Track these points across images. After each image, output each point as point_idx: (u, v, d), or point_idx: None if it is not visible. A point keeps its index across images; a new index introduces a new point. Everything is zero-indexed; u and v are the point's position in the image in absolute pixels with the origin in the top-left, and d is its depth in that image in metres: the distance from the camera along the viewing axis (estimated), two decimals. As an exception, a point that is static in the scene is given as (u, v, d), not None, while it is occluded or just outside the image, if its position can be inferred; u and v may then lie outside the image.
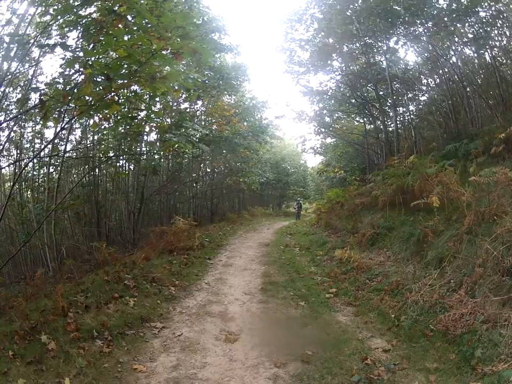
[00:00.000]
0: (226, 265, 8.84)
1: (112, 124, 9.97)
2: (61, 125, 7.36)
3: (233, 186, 21.10)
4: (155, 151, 11.08)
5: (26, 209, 10.34)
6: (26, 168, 10.13)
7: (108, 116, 6.37)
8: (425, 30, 11.31)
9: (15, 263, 9.56)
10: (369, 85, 14.71)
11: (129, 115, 8.76)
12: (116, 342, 4.36)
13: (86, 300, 5.34)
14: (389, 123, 14.01)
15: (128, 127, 9.34)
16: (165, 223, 13.57)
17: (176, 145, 9.91)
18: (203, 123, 16.73)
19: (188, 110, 15.93)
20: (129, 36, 5.43)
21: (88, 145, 12.11)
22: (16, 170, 9.29)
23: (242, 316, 5.37)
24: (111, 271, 7.03)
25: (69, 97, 5.07)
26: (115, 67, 4.93)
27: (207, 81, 13.52)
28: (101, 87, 5.05)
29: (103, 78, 4.93)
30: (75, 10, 5.47)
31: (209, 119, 17.05)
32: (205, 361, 3.96)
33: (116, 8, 5.30)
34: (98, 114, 6.17)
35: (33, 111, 7.61)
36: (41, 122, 9.01)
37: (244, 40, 43.02)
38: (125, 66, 5.16)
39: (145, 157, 11.38)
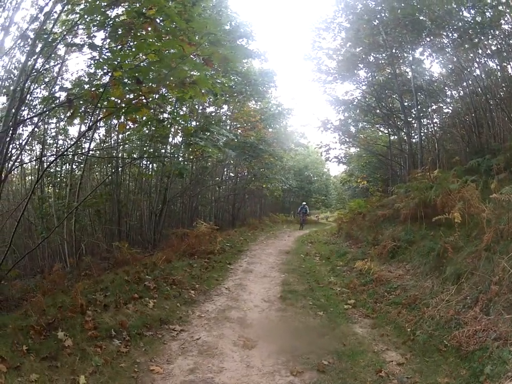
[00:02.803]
0: (247, 271, 8.95)
1: (137, 125, 10.27)
2: (87, 124, 7.55)
3: (256, 192, 21.22)
4: (180, 154, 11.27)
5: (47, 204, 10.54)
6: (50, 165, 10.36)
7: (135, 118, 6.51)
8: (450, 42, 11.27)
9: (31, 257, 9.78)
10: (394, 96, 14.65)
11: (157, 118, 9.07)
12: (134, 342, 4.45)
13: (105, 298, 5.43)
14: (413, 135, 13.97)
15: (153, 129, 9.58)
16: (186, 225, 13.74)
17: (202, 149, 10.14)
18: (228, 127, 16.92)
19: (214, 114, 16.18)
20: (158, 39, 5.64)
21: (112, 144, 12.41)
22: (38, 166, 9.52)
23: (261, 323, 5.47)
24: (132, 271, 7.16)
25: (98, 98, 5.24)
26: (145, 71, 5.02)
27: (233, 86, 13.69)
28: (128, 89, 5.12)
29: (132, 80, 5.06)
30: (103, 10, 5.52)
31: (235, 123, 17.22)
32: (222, 366, 4.03)
33: (145, 10, 5.40)
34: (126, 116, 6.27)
35: (57, 108, 7.69)
36: (66, 120, 9.08)
37: (271, 47, 43.23)
38: (154, 70, 5.30)
39: (169, 160, 11.57)
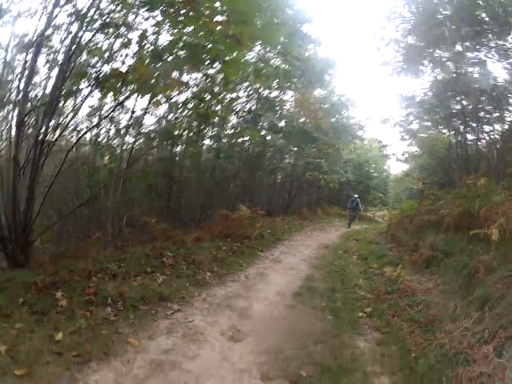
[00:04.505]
0: (276, 261, 8.67)
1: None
2: (118, 101, 7.69)
3: (313, 182, 20.68)
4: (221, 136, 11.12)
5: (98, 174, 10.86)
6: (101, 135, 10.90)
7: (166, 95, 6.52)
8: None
9: (76, 223, 10.28)
10: (457, 97, 13.19)
11: (199, 97, 9.04)
12: (125, 313, 4.49)
13: (118, 269, 5.59)
14: (473, 139, 12.56)
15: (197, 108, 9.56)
16: (237, 207, 13.65)
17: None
18: (292, 114, 16.50)
19: (278, 98, 15.85)
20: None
21: (170, 120, 12.45)
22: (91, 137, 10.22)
23: (261, 317, 5.20)
24: (158, 246, 7.24)
25: (124, 76, 5.30)
26: (170, 49, 5.17)
27: (289, 71, 13.24)
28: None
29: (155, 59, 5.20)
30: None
31: (298, 110, 16.69)
32: (198, 353, 3.91)
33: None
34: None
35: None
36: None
37: (333, 35, 41.41)
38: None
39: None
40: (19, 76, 6.04)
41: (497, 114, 11.72)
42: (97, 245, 7.42)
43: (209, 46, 5.16)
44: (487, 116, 11.99)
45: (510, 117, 11.60)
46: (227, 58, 5.49)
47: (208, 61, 5.69)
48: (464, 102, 12.59)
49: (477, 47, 11.06)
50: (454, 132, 13.76)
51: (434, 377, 3.53)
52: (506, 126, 11.64)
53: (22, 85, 5.85)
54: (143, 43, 5.33)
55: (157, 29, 5.93)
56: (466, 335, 3.96)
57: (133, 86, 6.31)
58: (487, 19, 9.97)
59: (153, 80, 5.28)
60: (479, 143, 12.07)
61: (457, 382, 3.26)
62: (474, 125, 12.32)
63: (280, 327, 4.91)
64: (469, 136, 12.72)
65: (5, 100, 6.37)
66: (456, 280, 5.58)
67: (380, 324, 5.16)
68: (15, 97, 5.98)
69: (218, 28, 5.12)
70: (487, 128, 12.25)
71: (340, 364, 3.94)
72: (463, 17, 10.05)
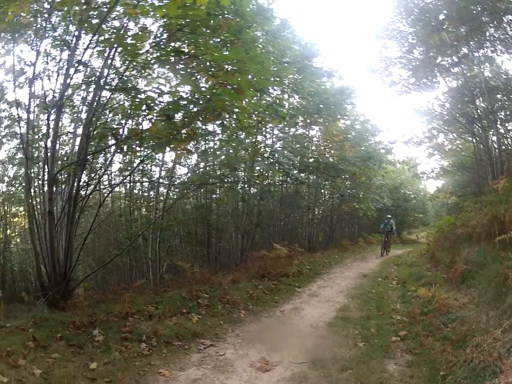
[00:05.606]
0: (313, 295, 8.58)
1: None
2: (140, 158, 8.19)
3: (352, 212, 20.45)
4: (249, 178, 11.48)
5: (135, 224, 11.58)
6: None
7: (185, 149, 6.99)
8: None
9: (119, 272, 11.11)
10: (474, 101, 12.76)
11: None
12: (158, 348, 4.69)
13: (155, 310, 5.83)
14: (496, 141, 12.00)
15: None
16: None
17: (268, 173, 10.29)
18: (320, 148, 16.67)
19: (304, 135, 16.18)
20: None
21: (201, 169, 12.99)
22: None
23: (292, 348, 5.14)
24: (195, 289, 7.38)
25: (140, 135, 5.75)
26: (174, 108, 5.54)
27: (306, 107, 13.54)
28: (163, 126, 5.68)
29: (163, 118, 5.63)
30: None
31: (325, 143, 16.86)
32: (225, 382, 4.00)
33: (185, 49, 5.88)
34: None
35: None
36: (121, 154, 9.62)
37: (344, 63, 41.75)
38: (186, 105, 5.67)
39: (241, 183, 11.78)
40: (45, 135, 6.55)
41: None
42: (137, 291, 7.81)
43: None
44: (508, 112, 11.55)
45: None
46: (236, 106, 5.87)
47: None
48: (482, 105, 12.25)
49: (482, 43, 10.87)
50: (477, 137, 13.28)
51: (459, 393, 3.36)
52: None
53: (49, 144, 6.33)
54: (152, 104, 5.71)
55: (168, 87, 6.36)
56: (495, 346, 3.77)
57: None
58: (479, 9, 9.88)
59: (164, 137, 5.69)
60: (505, 142, 11.54)
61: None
62: (495, 125, 11.88)
63: (309, 357, 4.83)
64: (494, 138, 12.25)
65: (34, 158, 6.93)
66: (489, 291, 5.33)
67: (413, 346, 4.99)
68: (44, 156, 6.43)
69: (218, 80, 5.53)
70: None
71: (365, 388, 3.83)
72: (455, 15, 9.97)
